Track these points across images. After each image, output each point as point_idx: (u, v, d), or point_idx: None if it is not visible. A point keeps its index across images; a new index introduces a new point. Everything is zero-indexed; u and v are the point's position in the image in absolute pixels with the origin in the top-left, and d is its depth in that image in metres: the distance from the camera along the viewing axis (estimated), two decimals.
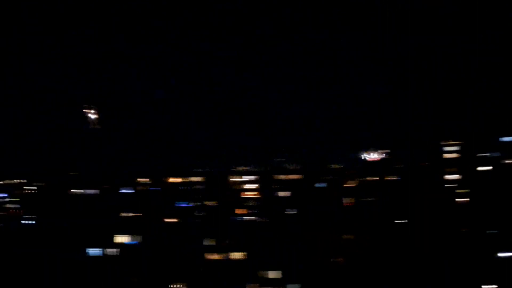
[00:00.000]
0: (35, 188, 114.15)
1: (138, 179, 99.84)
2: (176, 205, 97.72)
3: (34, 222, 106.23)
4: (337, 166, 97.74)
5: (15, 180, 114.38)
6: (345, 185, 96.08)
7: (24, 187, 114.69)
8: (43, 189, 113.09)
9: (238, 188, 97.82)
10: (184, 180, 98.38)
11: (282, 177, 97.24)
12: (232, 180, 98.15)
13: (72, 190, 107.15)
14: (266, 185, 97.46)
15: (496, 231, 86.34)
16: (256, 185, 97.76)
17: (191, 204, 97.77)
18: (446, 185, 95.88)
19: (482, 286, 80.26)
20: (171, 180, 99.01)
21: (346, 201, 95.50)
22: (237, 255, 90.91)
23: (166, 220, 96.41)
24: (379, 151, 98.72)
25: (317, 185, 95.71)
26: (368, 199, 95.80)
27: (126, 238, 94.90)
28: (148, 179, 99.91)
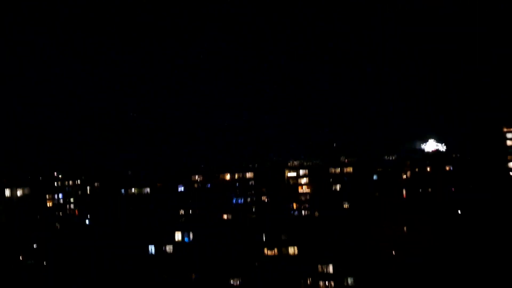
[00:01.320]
0: (90, 187, 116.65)
1: (193, 177, 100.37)
2: (231, 201, 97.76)
3: (89, 221, 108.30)
4: (393, 158, 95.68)
5: (71, 181, 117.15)
6: (402, 176, 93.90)
7: (80, 187, 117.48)
8: (98, 189, 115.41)
9: (293, 182, 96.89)
10: (239, 176, 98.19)
11: (337, 170, 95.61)
12: (286, 175, 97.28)
13: (126, 189, 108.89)
14: (321, 179, 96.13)
15: None
16: (311, 178, 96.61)
17: (245, 200, 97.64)
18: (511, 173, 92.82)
19: None
20: (226, 176, 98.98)
21: (403, 192, 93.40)
22: (292, 250, 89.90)
23: (222, 216, 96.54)
24: (436, 141, 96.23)
25: (373, 177, 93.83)
26: (426, 190, 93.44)
27: (182, 235, 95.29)
28: (202, 176, 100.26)
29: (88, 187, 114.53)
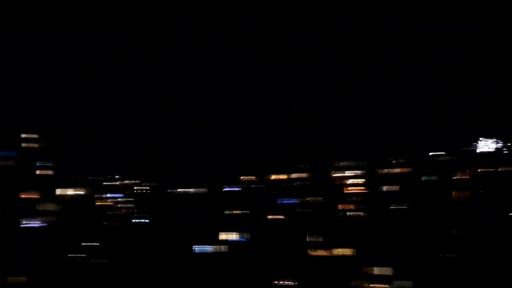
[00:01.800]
0: (148, 188, 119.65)
1: (242, 177, 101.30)
2: (280, 201, 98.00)
3: (147, 220, 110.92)
4: (446, 158, 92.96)
5: (129, 181, 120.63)
6: (455, 177, 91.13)
7: (137, 187, 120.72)
8: (155, 189, 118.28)
9: (342, 183, 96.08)
10: (288, 177, 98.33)
11: (388, 171, 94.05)
12: (335, 175, 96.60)
13: (180, 189, 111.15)
14: (371, 180, 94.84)
15: None
16: (361, 180, 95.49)
17: (295, 201, 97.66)
18: None
19: None
20: (275, 177, 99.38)
21: (456, 194, 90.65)
22: (343, 251, 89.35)
23: (271, 217, 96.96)
24: (492, 140, 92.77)
25: (424, 178, 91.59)
26: (481, 191, 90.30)
27: (232, 235, 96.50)
28: (252, 177, 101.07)
29: (142, 187, 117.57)
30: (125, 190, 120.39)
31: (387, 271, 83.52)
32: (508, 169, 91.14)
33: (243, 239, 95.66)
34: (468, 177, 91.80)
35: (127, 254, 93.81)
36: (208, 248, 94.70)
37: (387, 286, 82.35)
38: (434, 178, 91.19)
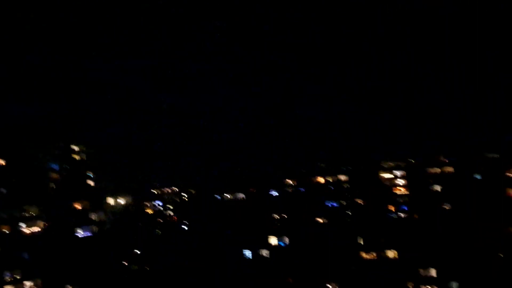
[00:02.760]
0: (187, 195, 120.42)
1: (286, 180, 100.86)
2: (325, 204, 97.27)
3: (186, 226, 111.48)
4: (495, 155, 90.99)
5: (168, 188, 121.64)
6: (506, 174, 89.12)
7: (177, 194, 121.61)
8: (194, 195, 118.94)
9: (389, 183, 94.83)
10: (332, 179, 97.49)
11: (435, 170, 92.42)
12: (381, 176, 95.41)
13: (220, 195, 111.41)
14: (418, 179, 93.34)
15: None
16: (407, 179, 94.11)
17: (340, 203, 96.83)
18: None
19: None
20: (319, 179, 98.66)
21: (508, 191, 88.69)
22: (390, 253, 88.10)
23: (316, 220, 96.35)
24: None
25: (477, 176, 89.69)
26: None
27: (277, 239, 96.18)
28: (295, 180, 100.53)
29: (184, 194, 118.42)
30: (165, 197, 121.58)
31: (434, 272, 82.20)
32: None
33: (287, 243, 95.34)
34: None
35: (172, 259, 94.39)
36: (252, 252, 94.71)
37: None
38: (486, 175, 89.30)
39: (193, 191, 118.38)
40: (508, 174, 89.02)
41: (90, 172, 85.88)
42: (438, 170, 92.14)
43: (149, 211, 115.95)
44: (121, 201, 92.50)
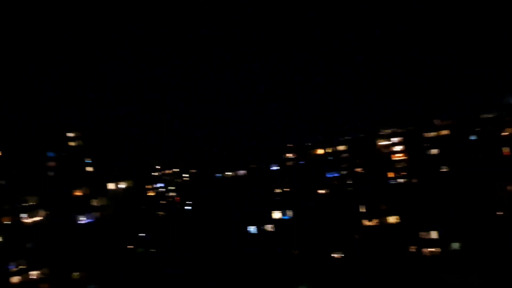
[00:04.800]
0: (188, 175, 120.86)
1: (285, 155, 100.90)
2: (325, 175, 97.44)
3: (189, 207, 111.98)
4: (490, 116, 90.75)
5: (169, 170, 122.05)
6: (503, 133, 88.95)
7: (177, 175, 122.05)
8: (195, 176, 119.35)
9: (387, 151, 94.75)
10: (332, 150, 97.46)
11: (432, 134, 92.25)
12: (379, 144, 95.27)
13: (221, 173, 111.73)
14: (416, 144, 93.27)
15: None
16: (405, 146, 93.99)
17: (340, 173, 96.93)
18: None
19: None
20: (318, 151, 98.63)
21: (507, 150, 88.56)
22: (391, 219, 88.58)
23: (318, 191, 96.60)
24: None
25: (473, 137, 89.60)
26: None
27: (281, 213, 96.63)
28: (294, 154, 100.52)
29: (185, 175, 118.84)
30: (168, 179, 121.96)
31: (436, 235, 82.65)
32: None
33: (291, 216, 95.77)
34: None
35: (177, 241, 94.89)
36: (256, 228, 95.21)
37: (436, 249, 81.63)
38: (482, 136, 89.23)
39: (194, 171, 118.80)
40: (503, 133, 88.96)
41: (89, 159, 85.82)
42: (434, 134, 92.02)
43: (151, 193, 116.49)
44: (122, 185, 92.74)
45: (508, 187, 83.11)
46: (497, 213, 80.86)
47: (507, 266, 63.40)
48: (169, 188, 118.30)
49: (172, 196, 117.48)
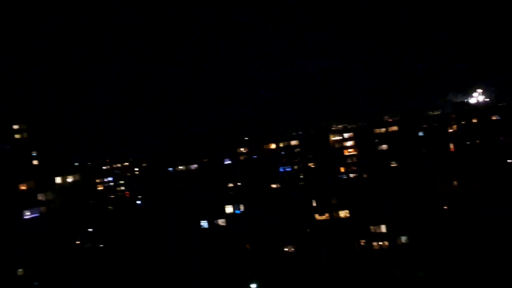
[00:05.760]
0: (138, 169, 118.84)
1: (238, 149, 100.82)
2: (278, 170, 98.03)
3: (140, 202, 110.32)
4: (437, 113, 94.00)
5: (119, 164, 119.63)
6: (448, 130, 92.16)
7: (128, 169, 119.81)
8: (146, 170, 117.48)
9: (338, 146, 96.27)
10: (284, 145, 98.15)
11: (382, 130, 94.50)
12: (331, 139, 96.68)
13: (173, 168, 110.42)
14: (366, 140, 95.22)
15: None
16: (356, 141, 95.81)
17: (292, 168, 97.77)
18: None
19: None
20: (271, 146, 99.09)
21: (450, 146, 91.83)
22: (343, 213, 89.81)
23: (271, 185, 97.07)
24: (481, 92, 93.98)
25: (421, 133, 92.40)
26: (474, 142, 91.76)
27: (233, 207, 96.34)
28: (248, 148, 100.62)
29: (136, 169, 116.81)
30: (118, 173, 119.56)
31: (384, 228, 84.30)
32: (496, 118, 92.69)
33: (242, 210, 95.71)
34: (459, 129, 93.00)
35: (126, 236, 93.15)
36: (208, 222, 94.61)
37: (386, 243, 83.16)
38: (430, 132, 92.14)
39: (145, 165, 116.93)
40: (449, 130, 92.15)
41: (35, 151, 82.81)
42: (383, 130, 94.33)
43: (100, 187, 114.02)
44: (70, 179, 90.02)
45: (454, 182, 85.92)
46: (444, 207, 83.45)
47: (453, 259, 65.43)
48: (119, 182, 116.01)
49: (122, 190, 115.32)
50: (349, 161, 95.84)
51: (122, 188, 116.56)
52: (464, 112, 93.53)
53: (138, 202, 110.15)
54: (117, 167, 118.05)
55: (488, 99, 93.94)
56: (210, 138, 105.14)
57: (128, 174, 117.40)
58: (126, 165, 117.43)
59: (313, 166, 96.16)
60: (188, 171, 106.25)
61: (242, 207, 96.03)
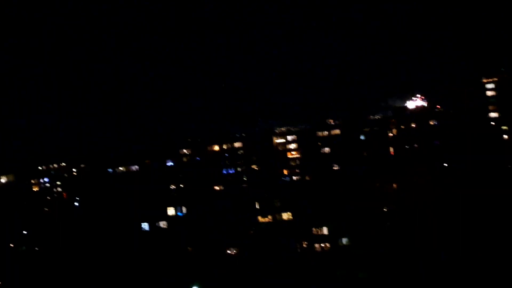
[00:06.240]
0: (76, 170, 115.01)
1: (180, 151, 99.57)
2: (221, 172, 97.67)
3: (78, 203, 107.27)
4: (378, 117, 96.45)
5: (56, 164, 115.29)
6: (389, 134, 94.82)
7: (65, 170, 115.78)
8: (85, 171, 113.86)
9: (282, 148, 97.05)
10: (227, 147, 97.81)
11: (325, 133, 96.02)
12: (275, 141, 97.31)
13: (113, 169, 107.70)
14: (309, 143, 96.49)
15: None
16: (299, 144, 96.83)
17: (236, 170, 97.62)
18: (491, 123, 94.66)
19: None
20: (214, 147, 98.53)
21: (390, 150, 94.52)
22: (286, 216, 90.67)
23: (214, 187, 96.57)
24: (419, 97, 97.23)
25: (362, 137, 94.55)
26: (412, 146, 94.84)
27: (175, 210, 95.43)
28: (190, 150, 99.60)
29: (74, 169, 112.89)
30: (54, 173, 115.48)
31: (327, 230, 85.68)
32: (433, 123, 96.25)
33: (186, 212, 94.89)
34: (399, 133, 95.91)
35: (63, 238, 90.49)
36: (149, 225, 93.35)
37: (327, 244, 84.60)
38: (371, 136, 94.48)
39: (83, 166, 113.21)
40: (389, 134, 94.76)
41: None
42: (326, 133, 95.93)
43: (36, 188, 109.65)
44: (3, 180, 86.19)
45: (394, 185, 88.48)
46: (384, 209, 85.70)
47: (393, 260, 67.08)
48: (56, 183, 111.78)
49: (59, 191, 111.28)
50: (292, 164, 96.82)
51: (59, 189, 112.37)
52: (404, 117, 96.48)
53: (76, 204, 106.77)
54: (54, 167, 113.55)
55: (426, 104, 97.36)
56: (152, 139, 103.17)
57: (66, 175, 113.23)
58: (64, 165, 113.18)
59: (257, 169, 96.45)
60: (128, 172, 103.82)
61: (184, 209, 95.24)
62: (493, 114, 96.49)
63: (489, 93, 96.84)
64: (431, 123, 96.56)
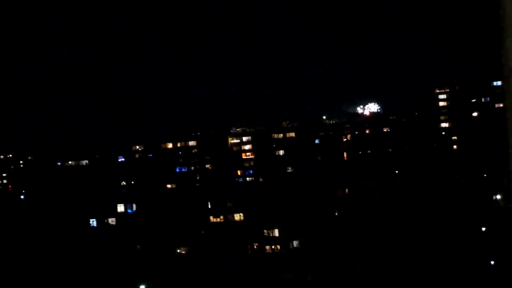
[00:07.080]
0: (22, 162, 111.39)
1: (133, 147, 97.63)
2: (174, 170, 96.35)
3: (23, 197, 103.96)
4: (333, 121, 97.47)
5: (2, 156, 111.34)
6: (342, 139, 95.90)
7: (12, 162, 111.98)
8: (31, 163, 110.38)
9: (237, 149, 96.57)
10: (181, 145, 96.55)
11: (280, 135, 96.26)
12: (229, 142, 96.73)
13: (62, 162, 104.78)
14: (264, 145, 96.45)
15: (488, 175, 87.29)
16: (254, 145, 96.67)
17: (189, 168, 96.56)
18: (442, 133, 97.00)
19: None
20: (168, 145, 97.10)
21: (343, 155, 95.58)
22: (238, 217, 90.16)
23: (165, 185, 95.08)
24: (373, 104, 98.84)
25: (315, 141, 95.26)
26: (365, 152, 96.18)
27: (125, 206, 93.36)
28: (143, 146, 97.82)
29: (21, 161, 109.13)
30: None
31: (278, 232, 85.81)
32: (386, 130, 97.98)
33: (134, 210, 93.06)
34: (352, 138, 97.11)
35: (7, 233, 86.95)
36: (97, 221, 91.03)
37: (278, 246, 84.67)
38: (323, 141, 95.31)
39: (30, 158, 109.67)
40: (343, 139, 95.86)
41: None
42: (281, 135, 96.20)
43: None
44: None
45: (346, 189, 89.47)
46: (335, 213, 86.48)
47: (343, 262, 67.61)
48: (1, 175, 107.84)
49: (4, 183, 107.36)
50: (246, 165, 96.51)
51: (5, 181, 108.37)
52: (358, 123, 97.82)
53: (22, 196, 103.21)
54: (0, 158, 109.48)
55: (380, 111, 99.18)
56: (104, 133, 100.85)
57: (12, 166, 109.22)
58: (10, 157, 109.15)
59: (210, 168, 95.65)
60: (78, 166, 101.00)
61: (134, 207, 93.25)
62: (444, 124, 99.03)
63: (441, 103, 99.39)
64: (384, 130, 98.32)
